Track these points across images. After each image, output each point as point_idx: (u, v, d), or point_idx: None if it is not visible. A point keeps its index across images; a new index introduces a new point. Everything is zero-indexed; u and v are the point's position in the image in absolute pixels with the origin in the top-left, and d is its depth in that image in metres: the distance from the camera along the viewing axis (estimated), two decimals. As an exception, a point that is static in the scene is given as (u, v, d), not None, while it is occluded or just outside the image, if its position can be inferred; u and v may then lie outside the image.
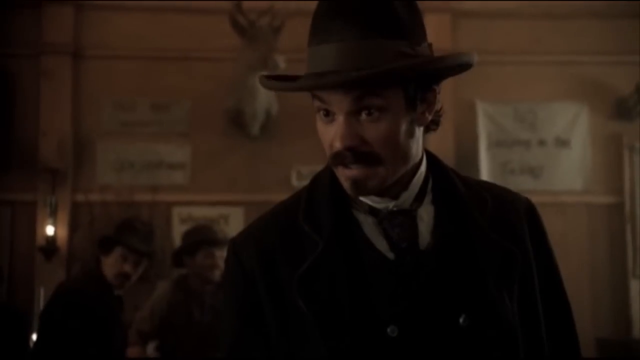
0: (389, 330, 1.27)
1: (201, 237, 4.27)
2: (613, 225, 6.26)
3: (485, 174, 6.13)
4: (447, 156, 5.50)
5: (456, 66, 1.31)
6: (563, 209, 6.07)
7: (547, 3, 6.25)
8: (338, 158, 1.26)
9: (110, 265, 3.71)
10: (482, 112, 6.22)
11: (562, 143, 6.28)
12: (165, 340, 4.18)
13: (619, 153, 6.31)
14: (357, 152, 1.25)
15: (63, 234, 5.87)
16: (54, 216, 5.79)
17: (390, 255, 1.30)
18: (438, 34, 5.41)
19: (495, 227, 1.34)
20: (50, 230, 5.78)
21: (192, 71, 6.11)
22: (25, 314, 4.11)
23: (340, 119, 1.25)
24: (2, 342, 3.64)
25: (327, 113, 1.27)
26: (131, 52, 6.12)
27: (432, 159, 1.39)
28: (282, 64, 5.35)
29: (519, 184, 6.07)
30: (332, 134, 1.26)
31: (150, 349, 4.23)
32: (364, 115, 1.24)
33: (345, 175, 1.28)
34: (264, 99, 5.86)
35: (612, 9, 6.23)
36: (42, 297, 5.22)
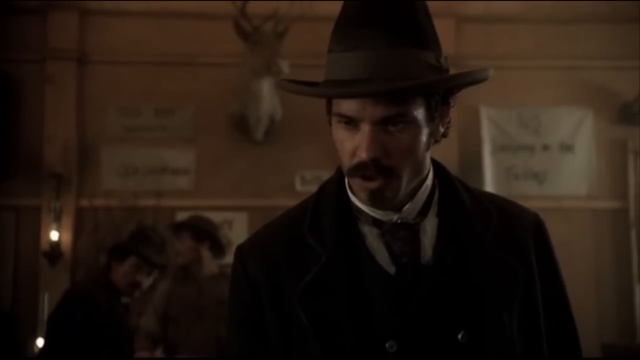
0: (387, 345, 1.27)
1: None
2: (618, 230, 6.25)
3: (489, 179, 6.13)
4: (451, 161, 5.49)
5: (478, 80, 1.32)
6: (567, 214, 6.06)
7: (552, 8, 6.25)
8: (360, 169, 1.25)
9: (123, 273, 3.73)
10: (486, 117, 6.22)
11: (567, 148, 6.27)
12: (171, 332, 4.23)
13: (624, 158, 6.30)
14: (379, 165, 1.24)
15: (67, 239, 5.87)
16: (58, 221, 5.79)
17: (391, 270, 1.30)
18: (442, 38, 5.38)
19: (498, 242, 1.33)
20: (54, 235, 5.79)
21: (196, 76, 6.12)
22: (9, 314, 4.06)
23: (366, 128, 1.23)
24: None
25: (349, 121, 1.25)
26: (135, 57, 6.13)
27: (439, 169, 1.38)
28: (285, 69, 5.35)
29: (523, 189, 6.07)
30: (354, 143, 1.25)
31: (159, 353, 4.25)
32: (390, 126, 1.24)
33: (363, 186, 1.27)
34: (268, 104, 5.86)
35: (617, 13, 6.23)
36: (46, 303, 5.22)
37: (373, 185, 1.26)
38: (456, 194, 1.36)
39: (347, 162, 1.27)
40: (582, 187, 6.23)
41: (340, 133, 1.27)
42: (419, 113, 1.25)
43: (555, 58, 6.28)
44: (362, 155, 1.24)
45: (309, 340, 1.27)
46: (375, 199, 1.27)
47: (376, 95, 1.21)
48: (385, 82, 1.21)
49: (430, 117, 1.27)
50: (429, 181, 1.34)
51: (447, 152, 5.41)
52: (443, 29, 1.31)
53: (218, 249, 4.40)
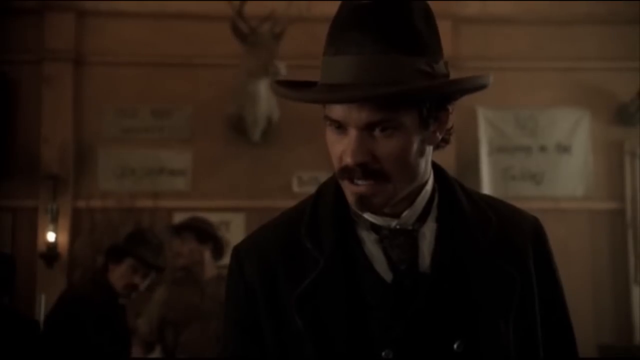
0: (383, 354, 1.27)
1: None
2: (614, 231, 6.25)
3: (486, 181, 6.13)
4: (448, 162, 5.49)
5: (473, 88, 1.31)
6: (564, 215, 6.06)
7: (549, 9, 6.25)
8: (346, 173, 1.24)
9: (120, 275, 3.73)
10: (483, 118, 6.22)
11: (564, 149, 6.28)
12: (168, 336, 4.23)
13: (620, 159, 6.30)
14: (366, 169, 1.23)
15: (64, 240, 5.87)
16: (55, 222, 5.78)
17: (389, 277, 1.29)
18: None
19: (496, 249, 1.32)
20: (51, 236, 5.78)
21: (194, 77, 6.12)
22: (35, 321, 4.08)
23: (352, 133, 1.23)
24: (10, 349, 3.63)
25: (339, 125, 1.25)
26: (132, 58, 6.12)
27: (439, 173, 1.37)
28: (283, 70, 5.35)
29: (520, 190, 6.07)
30: (342, 147, 1.24)
31: (155, 353, 4.26)
32: (377, 131, 1.23)
33: (351, 190, 1.26)
34: (265, 105, 5.86)
35: (614, 15, 6.23)
36: (43, 304, 5.21)
37: (361, 189, 1.25)
38: (456, 198, 1.35)
39: (336, 165, 1.27)
40: (579, 188, 6.24)
41: (330, 136, 1.27)
42: (408, 119, 1.23)
43: (552, 59, 6.29)
44: (348, 160, 1.23)
45: (304, 346, 1.27)
46: (363, 203, 1.26)
47: (360, 101, 1.20)
48: (369, 88, 1.19)
49: (424, 124, 1.25)
50: (429, 186, 1.33)
51: (444, 154, 5.36)
52: (440, 30, 1.30)
53: (219, 251, 4.40)
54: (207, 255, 4.37)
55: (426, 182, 1.33)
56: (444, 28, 1.29)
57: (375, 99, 1.20)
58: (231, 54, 5.77)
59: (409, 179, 1.28)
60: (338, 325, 1.26)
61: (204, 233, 4.37)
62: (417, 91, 1.22)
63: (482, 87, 1.31)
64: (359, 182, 1.24)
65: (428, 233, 1.32)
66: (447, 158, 5.66)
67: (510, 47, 6.28)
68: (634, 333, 6.13)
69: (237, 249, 1.39)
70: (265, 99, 5.80)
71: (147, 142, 6.09)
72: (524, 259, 1.34)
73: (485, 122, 6.23)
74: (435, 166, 1.37)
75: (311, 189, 1.43)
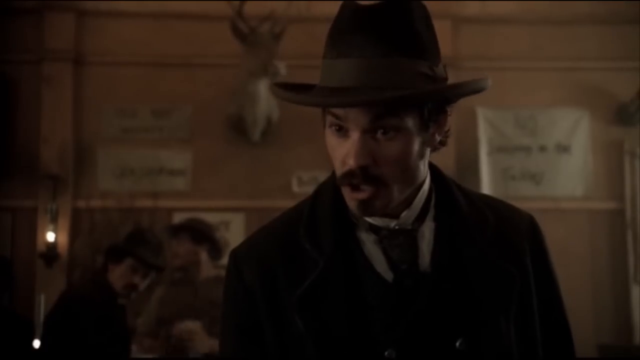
0: (386, 353, 1.27)
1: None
2: (614, 231, 6.25)
3: (485, 180, 6.13)
4: (447, 162, 5.49)
5: (473, 92, 1.31)
6: (564, 215, 6.06)
7: (548, 9, 6.26)
8: (348, 177, 1.24)
9: (119, 275, 3.73)
10: (483, 118, 6.23)
11: (563, 149, 6.28)
12: (162, 335, 4.24)
13: (620, 159, 6.31)
14: (368, 173, 1.23)
15: (64, 240, 5.87)
16: (54, 222, 5.79)
17: (389, 277, 1.29)
18: (439, 40, 5.38)
19: (495, 248, 1.33)
20: (51, 236, 5.78)
21: (193, 77, 6.12)
22: (29, 321, 4.09)
23: (355, 135, 1.23)
24: (6, 348, 3.63)
25: (340, 128, 1.24)
26: (132, 58, 6.13)
27: (436, 173, 1.38)
28: (283, 70, 5.35)
29: (520, 190, 6.07)
30: (344, 150, 1.24)
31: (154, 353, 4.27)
32: (379, 134, 1.22)
33: (351, 197, 1.26)
34: (265, 105, 5.86)
35: (614, 15, 6.24)
36: (42, 304, 5.22)
37: (362, 195, 1.25)
38: (453, 198, 1.36)
39: (338, 170, 1.27)
40: (579, 188, 6.24)
41: (331, 139, 1.27)
42: (410, 122, 1.23)
43: (551, 59, 6.29)
44: (350, 162, 1.23)
45: (306, 347, 1.27)
46: (364, 208, 1.26)
47: (361, 105, 1.20)
48: (373, 91, 1.20)
49: (424, 126, 1.26)
50: (426, 186, 1.34)
51: (443, 154, 5.37)
52: (440, 30, 1.30)
53: (216, 252, 4.42)
54: (204, 256, 4.39)
55: (423, 182, 1.33)
56: (444, 28, 1.30)
57: (381, 103, 1.20)
58: (231, 54, 5.78)
59: (409, 183, 1.28)
60: (339, 326, 1.26)
61: (199, 234, 4.39)
62: (423, 95, 1.23)
63: (481, 90, 1.32)
64: (361, 186, 1.24)
65: (427, 232, 1.32)
66: (447, 158, 5.66)
67: (510, 47, 6.28)
68: (634, 333, 6.13)
69: (234, 252, 1.38)
70: (265, 99, 5.81)
71: (146, 142, 6.09)
72: (521, 256, 1.35)
73: (484, 122, 6.23)
74: (431, 166, 1.38)
75: (311, 189, 1.42)
